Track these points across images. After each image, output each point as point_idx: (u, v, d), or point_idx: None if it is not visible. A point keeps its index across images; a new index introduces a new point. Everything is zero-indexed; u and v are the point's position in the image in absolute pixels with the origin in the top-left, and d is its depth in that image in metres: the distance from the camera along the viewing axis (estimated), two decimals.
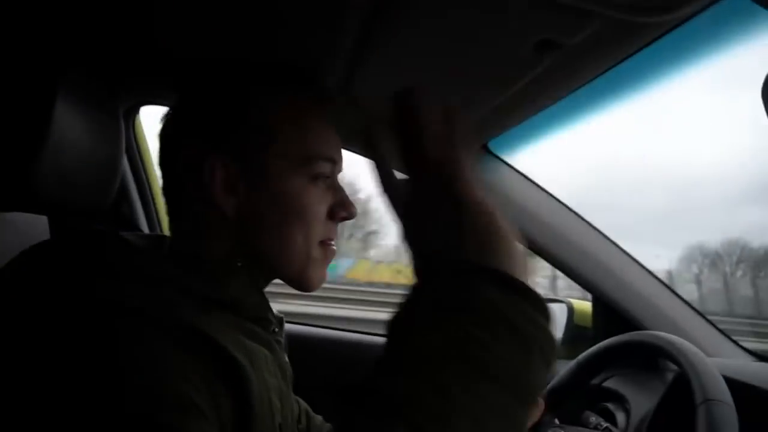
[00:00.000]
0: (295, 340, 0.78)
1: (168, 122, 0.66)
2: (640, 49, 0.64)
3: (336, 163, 0.65)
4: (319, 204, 0.63)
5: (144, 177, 1.13)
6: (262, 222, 0.61)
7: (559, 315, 1.33)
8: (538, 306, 0.38)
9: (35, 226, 0.92)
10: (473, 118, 0.90)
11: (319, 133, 0.64)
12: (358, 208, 0.69)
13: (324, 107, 0.67)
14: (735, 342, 1.09)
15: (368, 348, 1.27)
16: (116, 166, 0.76)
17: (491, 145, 1.05)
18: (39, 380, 0.43)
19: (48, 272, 0.52)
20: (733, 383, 0.67)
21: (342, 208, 0.65)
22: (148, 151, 1.13)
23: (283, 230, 0.61)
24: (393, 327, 0.39)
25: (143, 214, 1.13)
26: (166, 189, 0.66)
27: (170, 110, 0.66)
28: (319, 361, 1.23)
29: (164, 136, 0.65)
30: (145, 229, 1.13)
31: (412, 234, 0.45)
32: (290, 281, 0.64)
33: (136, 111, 1.07)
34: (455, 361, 0.34)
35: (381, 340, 1.26)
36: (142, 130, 1.12)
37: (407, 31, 0.66)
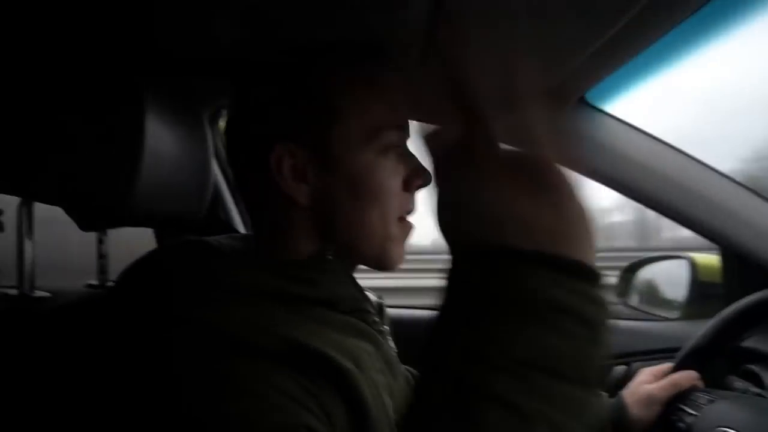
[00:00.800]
0: (397, 324, 0.74)
1: (231, 118, 0.64)
2: None
3: (404, 130, 0.62)
4: (393, 177, 0.60)
5: None
6: (335, 205, 0.58)
7: (678, 272, 1.22)
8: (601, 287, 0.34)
9: (143, 237, 0.96)
10: (568, 68, 0.82)
11: (383, 102, 0.60)
12: None
13: (386, 76, 0.63)
14: None
15: None
16: (208, 172, 0.76)
17: (589, 97, 0.95)
18: (132, 402, 0.49)
19: (140, 293, 0.56)
20: None
21: (416, 176, 0.61)
22: None
23: (358, 211, 0.58)
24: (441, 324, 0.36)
25: (238, 216, 1.15)
26: (239, 187, 0.66)
27: (234, 105, 0.64)
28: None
29: (229, 132, 0.64)
30: (243, 231, 1.15)
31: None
32: (370, 262, 0.62)
33: (220, 115, 1.08)
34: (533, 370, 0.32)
35: None
36: None
37: None
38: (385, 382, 0.57)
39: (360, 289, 0.66)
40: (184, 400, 0.45)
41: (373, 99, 0.60)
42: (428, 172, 0.56)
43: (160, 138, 0.67)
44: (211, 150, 0.78)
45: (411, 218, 0.64)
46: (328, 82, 0.59)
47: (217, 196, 1.11)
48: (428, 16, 0.65)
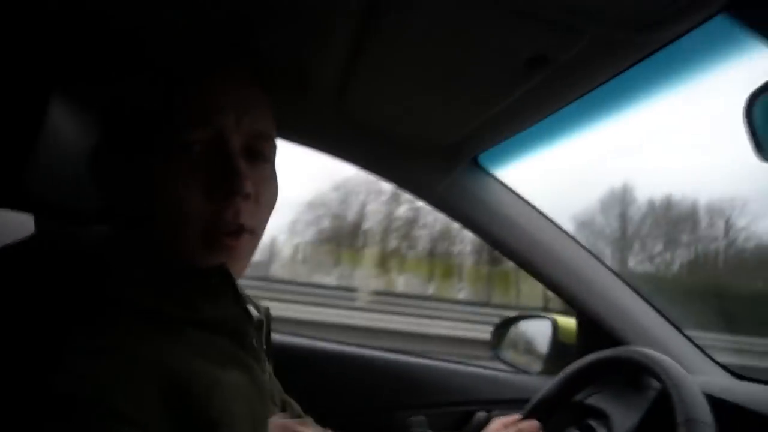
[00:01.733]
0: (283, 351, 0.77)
1: None
2: (628, 67, 0.65)
3: (218, 125, 0.54)
4: (189, 183, 0.53)
5: None
6: (142, 217, 0.55)
7: (543, 331, 1.33)
8: None
9: (23, 226, 0.92)
10: (463, 131, 0.92)
11: (190, 99, 0.54)
12: None
13: (210, 73, 0.57)
14: (712, 358, 1.10)
15: (353, 359, 1.26)
16: None
17: (481, 159, 1.06)
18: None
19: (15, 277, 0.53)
20: (714, 402, 0.67)
21: (223, 183, 0.53)
22: None
23: (157, 224, 0.54)
24: None
25: None
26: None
27: None
28: (307, 373, 1.21)
29: None
30: None
31: None
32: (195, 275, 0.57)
33: None
34: None
35: (365, 352, 1.26)
36: None
37: (399, 42, 0.67)
38: (248, 412, 0.56)
39: (242, 308, 0.62)
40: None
41: (177, 98, 0.55)
42: (238, 176, 0.52)
43: (63, 128, 0.67)
44: None
45: (229, 237, 0.55)
46: (137, 87, 0.57)
47: None
48: (348, 55, 0.71)
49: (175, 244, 0.54)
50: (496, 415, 1.20)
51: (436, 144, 0.99)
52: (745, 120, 0.50)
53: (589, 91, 0.73)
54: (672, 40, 0.58)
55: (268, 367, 0.68)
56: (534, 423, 0.90)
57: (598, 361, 0.86)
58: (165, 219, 0.53)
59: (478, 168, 1.07)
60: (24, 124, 0.64)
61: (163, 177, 0.52)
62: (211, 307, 0.58)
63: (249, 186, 0.54)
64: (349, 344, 1.31)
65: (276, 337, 0.80)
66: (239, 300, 0.63)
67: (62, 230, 0.62)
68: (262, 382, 0.62)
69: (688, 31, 0.56)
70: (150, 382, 0.47)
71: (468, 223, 1.09)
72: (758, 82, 0.49)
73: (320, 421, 0.84)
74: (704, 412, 0.65)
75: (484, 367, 1.31)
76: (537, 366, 1.31)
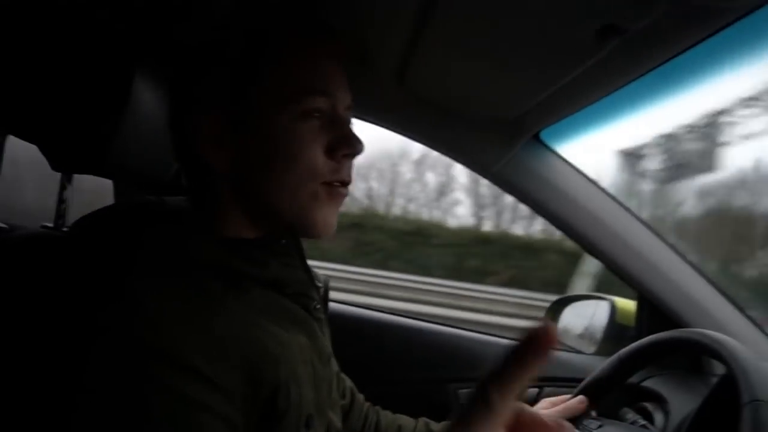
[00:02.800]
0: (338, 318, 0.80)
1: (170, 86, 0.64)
2: (703, 39, 0.63)
3: (333, 97, 0.60)
4: (312, 141, 0.58)
5: None
6: (252, 170, 0.59)
7: (601, 312, 1.31)
8: None
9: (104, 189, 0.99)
10: (528, 104, 0.91)
11: (309, 67, 0.59)
12: None
13: (318, 40, 0.61)
14: None
15: (405, 330, 1.29)
16: None
17: (543, 135, 1.04)
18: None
19: (94, 248, 0.59)
20: None
21: (342, 143, 0.60)
22: None
23: (274, 174, 0.58)
24: None
25: None
26: (177, 155, 0.64)
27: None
28: (358, 343, 1.25)
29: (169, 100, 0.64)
30: None
31: None
32: (294, 227, 0.62)
33: None
34: None
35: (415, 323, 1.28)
36: None
37: (463, 14, 0.67)
38: (310, 372, 0.59)
39: (308, 274, 0.67)
40: (92, 382, 0.48)
41: (298, 62, 0.59)
42: (357, 139, 0.61)
43: (146, 96, 0.72)
44: None
45: (343, 188, 0.62)
46: (249, 42, 0.59)
47: None
48: (413, 26, 0.72)
49: (291, 198, 0.59)
50: (547, 393, 1.20)
51: (499, 119, 0.99)
52: None
53: (662, 64, 0.70)
54: (748, 12, 0.55)
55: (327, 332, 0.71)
56: (582, 400, 0.89)
57: (658, 342, 0.85)
58: (287, 176, 0.58)
59: (540, 144, 1.05)
60: (111, 97, 0.69)
61: (291, 138, 0.58)
62: (280, 267, 0.61)
63: (362, 148, 0.62)
64: (401, 315, 1.34)
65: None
66: (305, 265, 0.67)
67: (144, 198, 0.66)
68: (324, 346, 0.65)
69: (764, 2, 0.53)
70: (223, 345, 0.51)
71: (529, 200, 1.08)
72: None
73: (370, 390, 0.87)
74: None
75: None
76: (592, 347, 1.30)
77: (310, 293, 0.65)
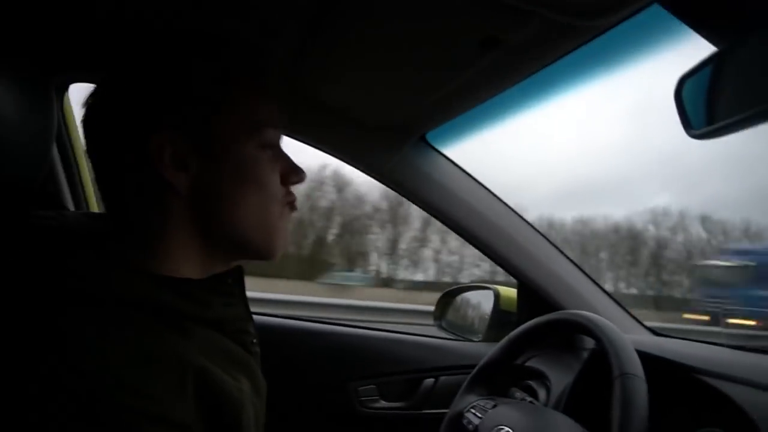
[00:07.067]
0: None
1: (97, 102, 0.59)
2: (572, 50, 0.70)
3: (279, 130, 0.65)
4: (272, 171, 0.63)
5: (72, 156, 1.07)
6: (218, 194, 0.59)
7: (486, 301, 1.40)
8: None
9: None
10: (414, 111, 0.95)
11: (263, 102, 0.63)
12: None
13: (264, 78, 0.65)
14: (637, 320, 1.21)
15: (304, 335, 1.28)
16: (48, 141, 0.73)
17: (429, 137, 1.09)
18: None
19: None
20: (641, 355, 0.74)
21: (292, 173, 0.65)
22: (77, 129, 1.07)
23: (243, 199, 0.60)
24: None
25: (70, 194, 1.08)
26: (102, 178, 0.59)
27: (99, 88, 0.60)
28: (289, 353, 1.23)
29: (94, 117, 0.59)
30: (72, 209, 1.08)
31: None
32: (253, 251, 0.63)
33: (66, 88, 1.02)
34: None
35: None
36: (71, 108, 1.06)
37: (354, 23, 0.69)
38: (253, 415, 0.58)
39: (246, 307, 0.68)
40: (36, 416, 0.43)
41: (255, 96, 0.62)
42: (302, 170, 0.66)
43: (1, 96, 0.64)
44: (55, 121, 0.74)
45: (293, 209, 0.67)
46: (213, 73, 0.59)
47: (50, 170, 1.04)
48: (301, 31, 0.72)
49: (258, 219, 0.62)
50: (443, 382, 1.27)
51: (388, 123, 1.02)
52: (676, 101, 0.56)
53: (535, 73, 0.77)
54: (611, 27, 0.63)
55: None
56: None
57: (541, 324, 0.93)
58: (255, 198, 0.61)
59: (426, 145, 1.11)
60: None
61: (258, 166, 0.61)
62: (222, 307, 0.60)
63: (305, 176, 0.67)
64: (299, 319, 1.33)
65: None
66: (245, 300, 0.68)
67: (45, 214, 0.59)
68: (261, 383, 0.64)
69: (625, 18, 0.61)
70: (171, 375, 0.48)
71: (416, 198, 1.13)
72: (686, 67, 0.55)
73: (279, 397, 0.86)
74: (636, 367, 0.72)
75: (430, 336, 1.37)
76: (480, 335, 1.39)
77: (249, 328, 0.65)
